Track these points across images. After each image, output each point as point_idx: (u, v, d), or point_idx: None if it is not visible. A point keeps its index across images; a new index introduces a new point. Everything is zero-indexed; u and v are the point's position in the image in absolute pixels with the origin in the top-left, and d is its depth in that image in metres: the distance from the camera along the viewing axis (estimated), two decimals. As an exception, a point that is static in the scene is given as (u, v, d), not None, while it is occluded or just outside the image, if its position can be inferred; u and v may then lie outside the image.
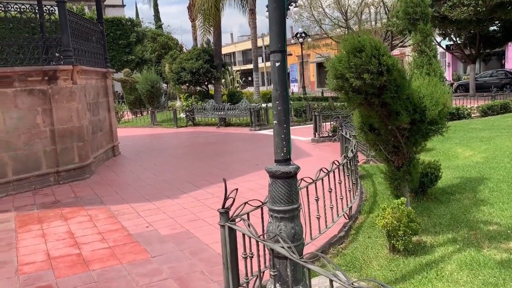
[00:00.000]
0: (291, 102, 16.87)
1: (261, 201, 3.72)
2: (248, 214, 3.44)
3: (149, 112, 21.43)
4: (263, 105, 17.26)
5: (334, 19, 32.75)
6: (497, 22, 24.22)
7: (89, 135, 9.66)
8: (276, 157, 3.02)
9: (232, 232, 3.16)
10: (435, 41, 29.59)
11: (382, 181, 6.86)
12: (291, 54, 56.88)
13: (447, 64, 41.28)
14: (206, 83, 22.15)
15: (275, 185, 2.97)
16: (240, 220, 3.17)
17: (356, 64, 3.74)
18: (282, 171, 2.94)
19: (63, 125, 8.72)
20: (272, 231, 2.95)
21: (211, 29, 21.14)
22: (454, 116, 13.93)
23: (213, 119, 19.01)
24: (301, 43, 31.34)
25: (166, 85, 41.35)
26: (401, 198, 4.16)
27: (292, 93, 35.04)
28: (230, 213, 3.30)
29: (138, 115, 23.64)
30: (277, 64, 2.86)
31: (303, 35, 30.84)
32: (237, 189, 3.40)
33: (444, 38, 28.89)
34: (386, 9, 31.09)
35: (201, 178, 8.55)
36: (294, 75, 49.13)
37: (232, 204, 3.26)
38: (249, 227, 2.99)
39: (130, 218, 6.20)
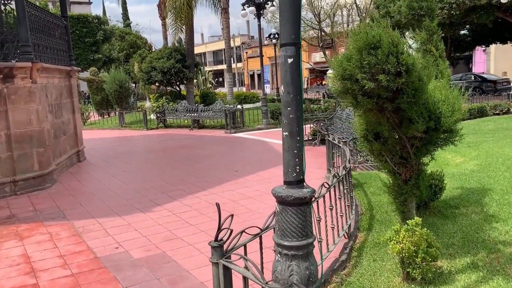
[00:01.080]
0: (267, 104, 16.33)
1: (259, 228, 3.07)
2: (245, 245, 2.79)
3: (117, 113, 20.41)
4: (239, 106, 16.61)
5: (307, 20, 32.45)
6: (467, 26, 24.47)
7: (51, 140, 8.76)
8: (286, 177, 2.39)
9: (228, 272, 2.51)
10: (407, 44, 29.81)
11: (376, 191, 6.36)
12: (263, 55, 56.62)
13: (416, 67, 41.71)
14: (177, 83, 21.31)
15: (285, 214, 2.35)
16: (240, 258, 2.52)
17: (370, 63, 3.18)
18: (295, 197, 2.32)
19: (21, 129, 7.81)
20: (281, 272, 2.33)
21: (183, 27, 20.33)
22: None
23: (186, 121, 18.22)
24: (275, 44, 30.85)
25: (134, 85, 40.07)
26: (415, 218, 3.62)
27: (266, 94, 34.45)
28: (224, 246, 2.65)
29: (105, 116, 22.53)
30: (290, 61, 2.24)
31: (276, 36, 30.36)
32: (232, 215, 2.75)
33: (416, 42, 29.00)
34: (359, 11, 31.06)
35: (175, 187, 7.82)
36: (266, 77, 48.70)
37: (229, 237, 2.61)
38: (250, 267, 2.36)
39: (97, 236, 5.43)
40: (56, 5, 38.66)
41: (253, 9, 15.06)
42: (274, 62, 49.23)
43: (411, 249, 3.37)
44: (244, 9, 15.58)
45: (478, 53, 34.63)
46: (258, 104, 24.94)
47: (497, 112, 15.25)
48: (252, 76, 61.51)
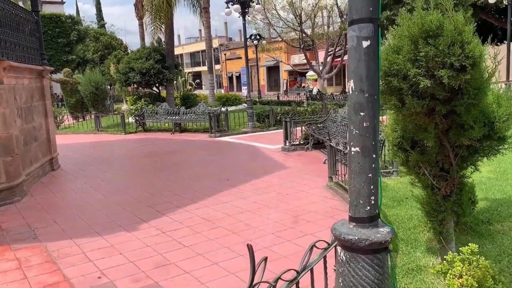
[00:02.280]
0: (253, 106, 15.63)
1: (295, 271, 2.36)
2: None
3: (92, 116, 19.34)
4: (223, 109, 15.87)
5: (288, 22, 31.98)
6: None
7: (20, 147, 7.84)
8: (354, 212, 1.71)
9: None
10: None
11: (388, 203, 5.74)
12: (240, 57, 55.96)
13: (395, 69, 41.83)
14: (157, 84, 20.39)
15: (356, 264, 1.66)
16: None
17: (428, 55, 2.53)
18: (372, 241, 1.62)
19: (-15, 136, 6.89)
20: None
21: (163, 26, 19.46)
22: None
23: (167, 124, 17.35)
24: (256, 46, 30.23)
25: (110, 87, 38.73)
26: (470, 245, 2.98)
27: (247, 96, 33.78)
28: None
29: (80, 120, 21.39)
30: (365, 44, 1.58)
31: (257, 37, 29.73)
32: (266, 258, 2.03)
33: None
34: (340, 12, 30.75)
35: (162, 199, 7.04)
36: (245, 78, 47.99)
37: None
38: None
39: (75, 262, 4.62)
40: (27, 3, 37.09)
41: (238, 7, 14.36)
42: (254, 64, 48.62)
43: (474, 286, 2.73)
44: (228, 7, 14.87)
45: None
46: (241, 106, 24.23)
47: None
48: (230, 78, 60.77)
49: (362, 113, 1.64)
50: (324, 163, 9.05)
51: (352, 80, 1.64)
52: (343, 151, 6.40)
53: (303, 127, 11.15)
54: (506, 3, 15.85)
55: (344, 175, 6.77)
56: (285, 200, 6.60)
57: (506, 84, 16.59)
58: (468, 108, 2.81)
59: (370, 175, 1.67)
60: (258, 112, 15.59)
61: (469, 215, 3.90)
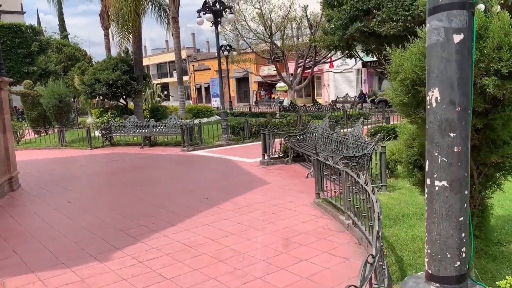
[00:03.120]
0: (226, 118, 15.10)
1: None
2: None
3: (56, 130, 18.31)
4: (196, 121, 15.29)
5: (258, 33, 31.82)
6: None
7: (-26, 167, 7.04)
8: (437, 268, 1.49)
9: None
10: (358, 57, 29.89)
11: (385, 222, 5.34)
12: (209, 69, 55.51)
13: (363, 80, 42.49)
14: (124, 96, 19.58)
15: None
16: None
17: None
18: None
19: None
20: None
21: (130, 36, 18.74)
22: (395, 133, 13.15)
23: (135, 138, 16.58)
24: (226, 57, 29.83)
25: (73, 100, 37.32)
26: (507, 278, 2.58)
27: (217, 108, 33.28)
28: None
29: (42, 135, 20.24)
30: (457, 39, 1.19)
31: (228, 48, 29.36)
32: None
33: (367, 54, 29.20)
34: (309, 24, 30.88)
35: (136, 221, 6.42)
36: (215, 90, 47.55)
37: None
38: None
39: (38, 303, 3.97)
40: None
41: (210, 16, 13.92)
42: (225, 75, 48.20)
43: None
44: (200, 16, 14.38)
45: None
46: (213, 118, 23.68)
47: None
48: (199, 90, 60.08)
49: (452, 134, 1.20)
50: (307, 177, 8.67)
51: (436, 89, 1.21)
52: (333, 167, 5.99)
53: (282, 140, 10.73)
54: (475, 15, 16.18)
55: (335, 192, 6.38)
56: (272, 220, 6.11)
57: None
58: (506, 122, 2.43)
59: (462, 218, 1.24)
60: (233, 124, 15.10)
61: (492, 242, 3.54)
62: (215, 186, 8.58)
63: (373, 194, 3.67)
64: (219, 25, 14.77)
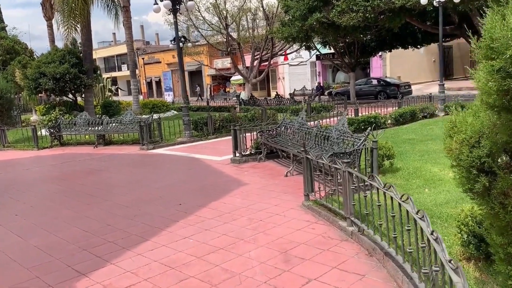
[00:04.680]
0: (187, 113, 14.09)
1: None
2: None
3: (-4, 130, 16.54)
4: (155, 116, 14.23)
5: (213, 24, 30.79)
6: (373, 30, 24.76)
7: None
8: None
9: None
10: (315, 49, 29.65)
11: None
12: (160, 62, 53.61)
13: (317, 73, 42.55)
14: (73, 91, 18.06)
15: None
16: None
17: None
18: None
19: None
20: None
21: (78, 26, 17.25)
22: (371, 125, 12.79)
23: (88, 137, 15.26)
24: (181, 48, 28.49)
25: (15, 95, 34.59)
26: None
27: (173, 102, 31.99)
28: None
29: (-20, 135, 18.28)
30: None
31: (182, 39, 28.04)
32: None
33: (325, 46, 29.01)
34: (265, 15, 30.23)
35: (102, 237, 5.47)
36: (168, 84, 46.00)
37: None
38: None
39: None
40: None
41: (168, 3, 12.86)
42: (176, 68, 46.65)
43: None
44: (157, 3, 13.29)
45: (375, 59, 35.95)
46: (170, 113, 22.56)
47: (425, 115, 14.99)
48: (149, 84, 57.98)
49: None
50: (286, 176, 8.00)
51: None
52: (330, 166, 5.32)
53: (253, 135, 9.98)
54: (436, 4, 16.08)
55: (325, 192, 5.73)
56: (261, 228, 5.38)
57: (439, 85, 16.85)
58: None
59: None
60: (195, 120, 14.16)
61: None
62: (187, 190, 7.71)
63: (423, 221, 2.95)
64: (179, 13, 13.72)
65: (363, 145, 6.53)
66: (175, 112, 23.25)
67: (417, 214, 3.05)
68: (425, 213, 2.88)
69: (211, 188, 7.70)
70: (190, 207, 6.52)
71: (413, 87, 29.77)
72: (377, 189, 4.03)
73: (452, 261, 2.38)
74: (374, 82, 30.16)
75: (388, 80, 30.16)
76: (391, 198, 3.70)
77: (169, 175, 9.18)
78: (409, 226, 3.37)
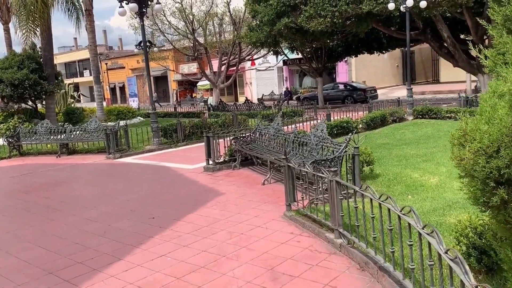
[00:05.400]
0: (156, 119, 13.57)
1: None
2: None
3: None
4: (122, 123, 13.66)
5: (179, 29, 30.25)
6: (340, 35, 24.98)
7: None
8: None
9: None
10: (283, 54, 29.64)
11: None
12: (124, 67, 52.36)
13: (284, 78, 42.69)
14: (33, 98, 17.16)
15: None
16: None
17: None
18: None
19: None
20: None
21: (38, 30, 16.42)
22: (344, 130, 12.75)
23: (50, 146, 14.47)
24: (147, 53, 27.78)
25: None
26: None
27: (138, 108, 31.18)
28: None
29: None
30: None
31: (148, 44, 27.37)
32: None
33: (292, 52, 29.04)
34: (233, 20, 30.02)
35: (71, 258, 5.01)
36: (133, 89, 44.93)
37: None
38: None
39: None
40: None
41: (135, 6, 12.36)
42: (141, 73, 45.72)
43: None
44: (122, 6, 12.75)
45: (341, 64, 36.41)
46: (136, 120, 21.88)
47: (395, 119, 15.11)
48: (113, 90, 56.50)
49: None
50: (264, 184, 7.72)
51: None
52: (314, 175, 5.08)
53: (226, 142, 9.65)
54: (403, 9, 16.31)
55: (310, 202, 5.48)
56: (243, 243, 5.06)
57: (407, 89, 17.04)
58: None
59: None
60: (164, 126, 13.68)
61: None
62: (160, 202, 7.29)
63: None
64: (146, 16, 13.25)
65: (344, 152, 6.34)
66: (142, 118, 22.59)
67: (423, 229, 2.83)
68: (435, 229, 2.66)
69: (186, 199, 7.31)
70: (165, 221, 6.13)
71: (378, 92, 30.29)
72: (371, 199, 3.80)
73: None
74: (341, 87, 30.48)
75: (354, 84, 30.55)
76: (388, 209, 3.47)
77: (139, 185, 8.71)
78: (411, 241, 3.15)
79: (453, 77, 36.02)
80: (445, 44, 20.64)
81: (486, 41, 18.84)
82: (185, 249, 5.02)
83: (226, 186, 7.96)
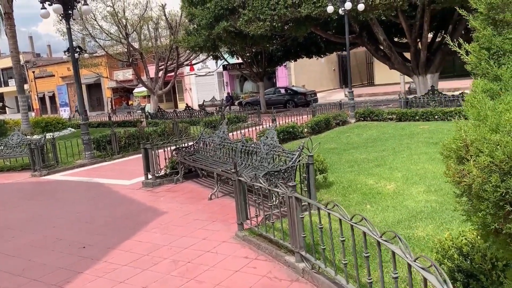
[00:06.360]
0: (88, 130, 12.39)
1: None
2: None
3: None
4: (49, 136, 12.37)
5: (112, 34, 28.71)
6: (280, 40, 24.84)
7: None
8: None
9: None
10: (223, 58, 29.03)
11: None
12: (53, 75, 49.28)
13: (225, 83, 42.19)
14: None
15: None
16: None
17: None
18: None
19: None
20: None
21: None
22: (290, 135, 12.38)
23: (-36, 165, 12.81)
24: (77, 59, 26.02)
25: None
26: None
27: (70, 119, 29.17)
28: None
29: None
30: None
31: (77, 50, 25.64)
32: None
33: (232, 56, 28.54)
34: (169, 24, 29.01)
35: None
36: (64, 98, 42.28)
37: None
38: None
39: None
40: None
41: (59, 7, 11.20)
42: (72, 81, 43.04)
43: None
44: (45, 8, 11.53)
45: (280, 68, 36.49)
46: (67, 131, 20.26)
47: (338, 122, 15.01)
48: (42, 99, 52.99)
49: None
50: (211, 199, 7.05)
51: None
52: (270, 190, 4.50)
53: (169, 152, 8.85)
54: (342, 13, 16.33)
55: (264, 218, 4.89)
56: (191, 274, 4.37)
57: (348, 92, 17.06)
58: None
59: None
60: (97, 138, 12.55)
61: None
62: (92, 227, 6.38)
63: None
64: (72, 18, 12.09)
65: (298, 161, 5.84)
66: (73, 129, 20.98)
67: (415, 261, 2.32)
68: (434, 263, 2.15)
69: (122, 221, 6.46)
70: (98, 251, 5.27)
71: (317, 95, 30.59)
72: (340, 220, 3.28)
73: None
74: (282, 91, 30.44)
75: (295, 89, 30.63)
76: (364, 233, 2.95)
77: (68, 207, 7.68)
78: (396, 273, 2.64)
79: (387, 79, 37.36)
80: (381, 47, 21.09)
81: (419, 43, 19.47)
82: (122, 286, 4.23)
83: (169, 203, 7.19)
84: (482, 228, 2.08)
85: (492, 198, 1.91)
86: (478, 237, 3.00)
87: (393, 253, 2.59)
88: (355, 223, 3.05)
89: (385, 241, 2.66)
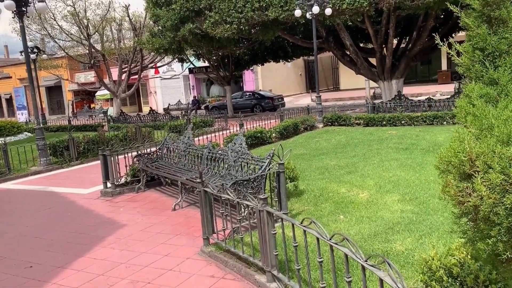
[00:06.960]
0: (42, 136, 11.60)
1: None
2: None
3: None
4: (0, 140, 11.52)
5: (72, 34, 27.58)
6: (247, 43, 24.57)
7: None
8: None
9: None
10: (189, 61, 28.43)
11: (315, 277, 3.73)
12: (10, 77, 47.17)
13: (191, 86, 41.56)
14: None
15: None
16: None
17: None
18: None
19: None
20: None
21: None
22: (258, 140, 12.06)
23: None
24: (34, 61, 24.87)
25: None
26: None
27: (27, 122, 27.78)
28: None
29: None
30: None
31: (35, 50, 24.52)
32: None
33: (198, 59, 28.01)
34: (132, 25, 28.18)
35: None
36: (21, 101, 40.40)
37: None
38: None
39: None
40: None
41: (11, 4, 10.44)
42: (29, 84, 41.21)
43: None
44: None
45: (247, 72, 36.24)
46: (23, 136, 19.17)
47: (306, 127, 14.82)
48: (-2, 102, 50.62)
49: None
50: (174, 209, 6.60)
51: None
52: (239, 203, 4.12)
53: (130, 159, 8.31)
54: (309, 17, 16.19)
55: (233, 231, 4.51)
56: (152, 297, 3.92)
57: (316, 97, 16.91)
58: None
59: None
60: (54, 143, 11.79)
61: None
62: (42, 242, 5.79)
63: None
64: (27, 16, 11.32)
65: (268, 170, 5.49)
66: (29, 134, 19.87)
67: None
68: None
69: (76, 236, 5.91)
70: (47, 270, 4.73)
71: (284, 100, 30.51)
72: (317, 239, 2.95)
73: None
74: (249, 95, 30.16)
75: (262, 93, 30.41)
76: (346, 255, 2.63)
77: (17, 220, 7.03)
78: (385, 302, 2.32)
79: (352, 85, 37.77)
80: (348, 52, 21.16)
81: (384, 49, 19.64)
82: (72, 314, 3.74)
83: (129, 214, 6.68)
84: (491, 257, 1.78)
85: (506, 223, 1.61)
86: (469, 256, 2.73)
87: (381, 280, 2.26)
88: (335, 244, 2.72)
89: (372, 266, 2.33)
